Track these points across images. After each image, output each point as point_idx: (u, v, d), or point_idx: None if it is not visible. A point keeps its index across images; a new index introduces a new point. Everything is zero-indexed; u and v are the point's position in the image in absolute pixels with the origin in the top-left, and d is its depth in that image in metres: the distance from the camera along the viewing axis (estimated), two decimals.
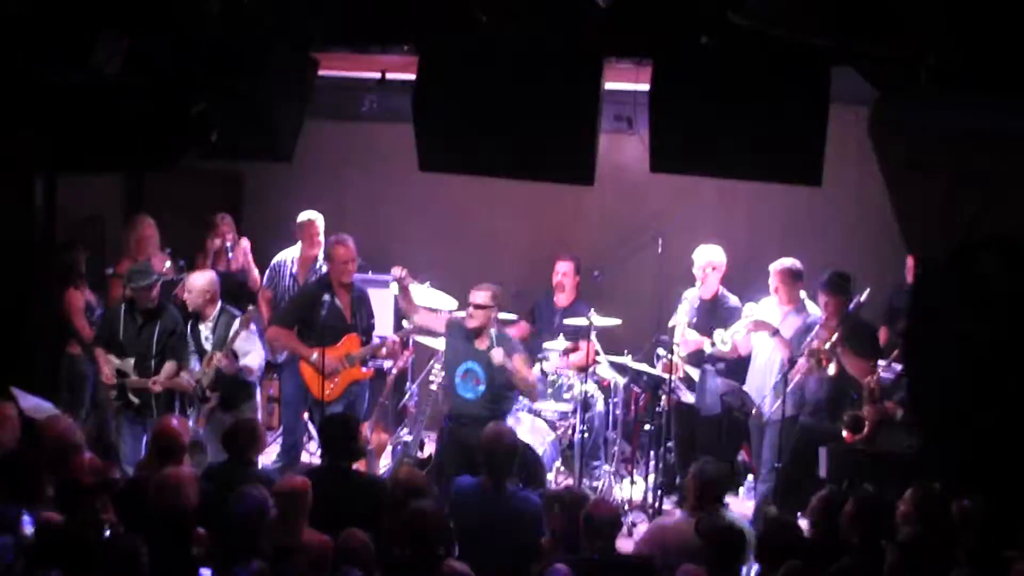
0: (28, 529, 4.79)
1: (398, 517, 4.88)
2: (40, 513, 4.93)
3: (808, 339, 7.05)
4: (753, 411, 7.29)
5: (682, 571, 4.75)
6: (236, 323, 7.22)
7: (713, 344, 7.51)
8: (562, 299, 8.40)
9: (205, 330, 7.31)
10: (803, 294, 7.41)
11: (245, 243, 8.68)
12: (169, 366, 7.26)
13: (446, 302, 8.06)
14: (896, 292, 7.67)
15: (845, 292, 7.00)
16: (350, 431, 5.84)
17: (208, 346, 7.27)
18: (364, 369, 7.65)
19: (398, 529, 4.84)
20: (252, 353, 7.28)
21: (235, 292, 8.13)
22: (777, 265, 7.35)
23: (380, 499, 5.46)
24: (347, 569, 4.55)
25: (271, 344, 7.73)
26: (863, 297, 7.09)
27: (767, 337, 7.25)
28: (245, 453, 5.74)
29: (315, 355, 7.28)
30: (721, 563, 4.77)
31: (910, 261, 7.62)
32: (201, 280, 7.30)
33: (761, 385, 7.33)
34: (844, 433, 6.62)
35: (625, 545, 5.56)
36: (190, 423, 7.12)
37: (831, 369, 6.85)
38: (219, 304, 7.34)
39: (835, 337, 6.84)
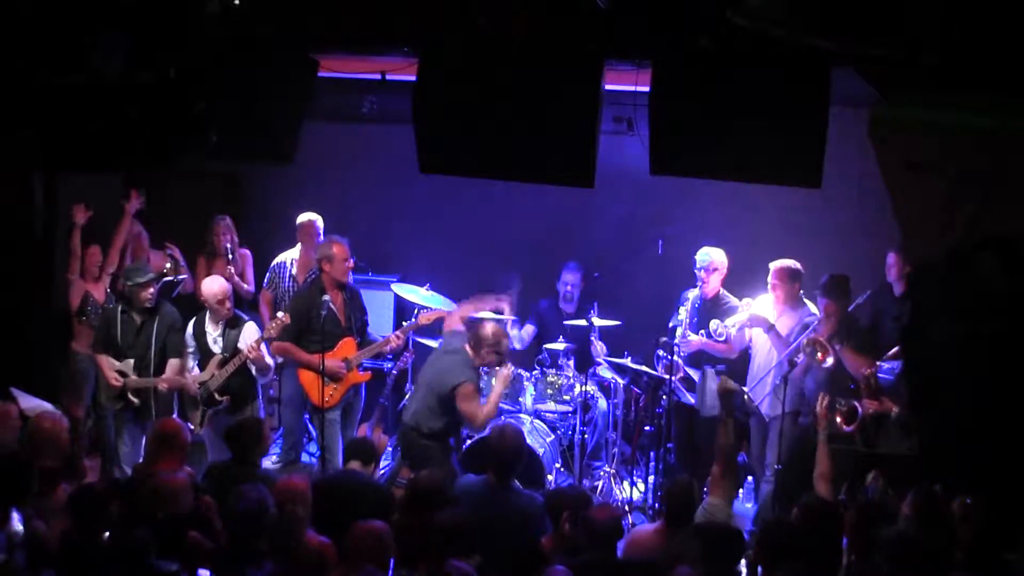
0: (17, 526, 4.79)
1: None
2: (30, 512, 4.93)
3: (806, 334, 7.05)
4: (749, 406, 7.29)
5: (677, 573, 4.74)
6: (248, 328, 7.23)
7: (708, 332, 7.51)
8: (569, 307, 8.43)
9: (214, 332, 7.30)
10: (801, 294, 7.40)
11: (246, 252, 8.66)
12: (174, 363, 7.26)
13: (445, 304, 8.01)
14: (880, 292, 7.56)
15: (844, 295, 6.99)
16: (369, 449, 6.02)
17: (216, 348, 7.25)
18: (361, 372, 7.63)
19: None
20: (265, 356, 7.28)
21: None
22: (776, 264, 7.35)
23: (388, 502, 5.46)
24: (364, 567, 4.50)
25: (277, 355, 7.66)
26: (862, 299, 7.07)
27: (762, 332, 7.25)
28: (248, 453, 5.72)
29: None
30: (718, 564, 4.75)
31: (891, 258, 7.58)
32: (215, 286, 7.29)
33: (760, 386, 7.32)
34: (837, 419, 6.60)
35: None
36: (190, 425, 7.12)
37: (828, 361, 6.84)
38: (231, 308, 7.33)
39: (833, 333, 6.84)
